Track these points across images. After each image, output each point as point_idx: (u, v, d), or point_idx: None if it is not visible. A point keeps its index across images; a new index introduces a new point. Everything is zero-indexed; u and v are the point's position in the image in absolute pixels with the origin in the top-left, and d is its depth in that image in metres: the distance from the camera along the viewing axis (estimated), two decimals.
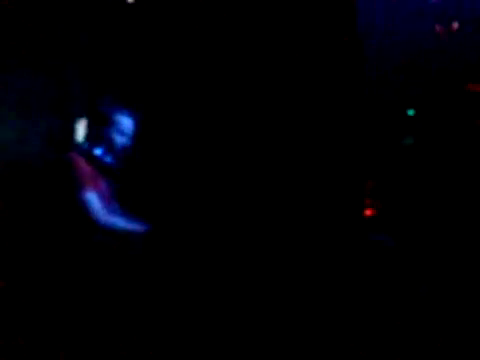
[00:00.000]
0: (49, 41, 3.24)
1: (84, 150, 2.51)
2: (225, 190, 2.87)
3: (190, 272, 2.70)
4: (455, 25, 3.80)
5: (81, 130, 2.57)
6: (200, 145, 2.91)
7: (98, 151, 2.51)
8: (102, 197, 2.50)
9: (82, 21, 3.22)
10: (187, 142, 2.92)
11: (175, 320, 2.59)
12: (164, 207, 2.87)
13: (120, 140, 2.54)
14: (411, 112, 3.35)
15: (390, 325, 2.69)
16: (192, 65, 2.98)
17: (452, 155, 3.34)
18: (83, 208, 2.42)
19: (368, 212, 3.17)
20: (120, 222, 2.52)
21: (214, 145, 2.92)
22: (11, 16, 3.28)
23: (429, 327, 2.69)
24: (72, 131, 2.66)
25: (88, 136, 2.55)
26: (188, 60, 2.99)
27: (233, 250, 2.79)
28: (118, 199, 2.66)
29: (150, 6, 3.13)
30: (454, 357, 2.51)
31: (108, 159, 2.54)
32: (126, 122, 2.56)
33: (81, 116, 2.59)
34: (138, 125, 2.63)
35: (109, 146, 2.53)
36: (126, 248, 2.53)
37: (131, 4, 3.14)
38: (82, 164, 2.46)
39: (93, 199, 2.44)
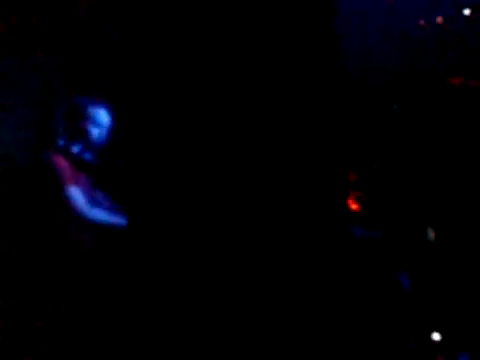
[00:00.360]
0: (32, 35, 3.23)
1: (61, 147, 2.52)
2: (205, 183, 2.87)
3: (171, 267, 2.70)
4: (439, 19, 3.81)
5: (59, 125, 2.57)
6: (178, 139, 2.91)
7: (76, 148, 2.52)
8: (84, 192, 2.51)
9: (64, 15, 3.22)
10: (166, 137, 2.92)
11: (160, 318, 2.59)
12: (144, 202, 2.87)
13: (98, 136, 2.55)
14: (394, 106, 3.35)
15: (375, 316, 2.70)
16: (171, 60, 2.98)
17: (437, 149, 3.34)
18: (67, 204, 2.43)
19: (353, 206, 3.17)
20: (105, 216, 2.53)
21: (194, 138, 2.92)
22: None
23: (412, 317, 2.70)
24: (53, 128, 2.66)
25: (65, 133, 2.56)
26: (167, 55, 2.99)
27: (213, 246, 2.79)
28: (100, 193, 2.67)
29: (132, 3, 3.12)
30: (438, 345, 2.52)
31: (86, 156, 2.55)
32: (103, 117, 2.57)
33: (61, 112, 2.58)
34: (116, 120, 2.64)
35: (87, 142, 2.53)
36: (112, 242, 2.53)
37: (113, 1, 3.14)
38: (61, 161, 2.47)
39: (77, 194, 2.45)
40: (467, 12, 3.89)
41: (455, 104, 3.40)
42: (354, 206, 3.19)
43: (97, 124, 2.53)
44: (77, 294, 2.46)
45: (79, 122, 2.50)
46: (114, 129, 2.62)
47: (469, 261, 2.93)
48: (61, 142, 2.52)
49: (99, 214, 2.52)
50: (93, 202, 2.55)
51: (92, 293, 2.48)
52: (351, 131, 3.01)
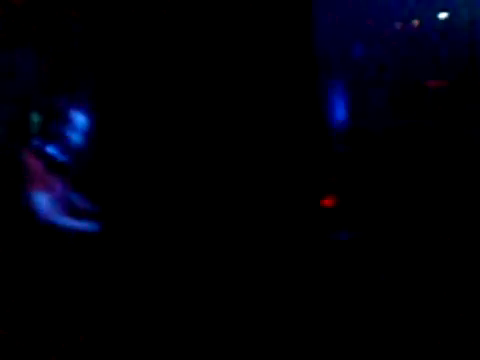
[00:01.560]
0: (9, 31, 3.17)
1: (36, 147, 2.46)
2: (181, 187, 2.85)
3: (139, 273, 2.67)
4: (415, 23, 3.85)
5: (34, 125, 2.52)
6: (156, 143, 2.88)
7: (51, 149, 2.47)
8: (52, 196, 2.45)
9: (42, 13, 3.16)
10: (144, 140, 2.90)
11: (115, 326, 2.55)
12: (119, 206, 2.84)
13: (75, 138, 2.51)
14: None
15: (352, 316, 2.70)
16: (149, 60, 2.96)
17: (414, 149, 3.37)
18: (31, 208, 2.38)
19: (327, 208, 3.17)
20: (69, 222, 2.47)
21: (171, 142, 2.90)
22: None
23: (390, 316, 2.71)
24: (26, 126, 2.60)
25: (41, 133, 2.51)
26: (144, 55, 2.96)
27: (186, 250, 2.78)
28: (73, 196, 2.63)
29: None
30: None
31: (62, 157, 2.50)
32: (81, 120, 2.53)
33: (35, 110, 2.54)
34: (94, 123, 2.60)
35: (63, 144, 2.49)
36: (71, 249, 2.48)
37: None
38: (33, 162, 2.41)
39: (42, 199, 2.39)
40: (443, 16, 3.93)
41: (433, 106, 3.43)
42: (332, 207, 3.19)
43: (75, 128, 2.50)
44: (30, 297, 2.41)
45: (57, 124, 2.46)
46: (92, 131, 2.58)
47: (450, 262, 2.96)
48: (36, 142, 2.47)
49: (63, 220, 2.46)
50: (60, 208, 2.50)
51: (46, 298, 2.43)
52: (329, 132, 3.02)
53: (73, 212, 2.56)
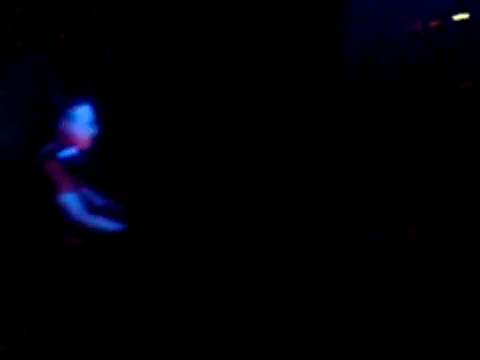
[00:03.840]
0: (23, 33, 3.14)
1: (50, 151, 2.41)
2: (206, 184, 2.79)
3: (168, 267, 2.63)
4: (434, 23, 3.78)
5: (45, 129, 2.46)
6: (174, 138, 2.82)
7: (65, 150, 2.41)
8: (79, 198, 2.40)
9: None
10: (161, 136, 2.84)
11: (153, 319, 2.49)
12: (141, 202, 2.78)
13: (81, 133, 2.43)
14: None
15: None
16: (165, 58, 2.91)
17: (446, 153, 3.27)
18: (60, 211, 2.33)
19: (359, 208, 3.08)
20: (100, 222, 2.42)
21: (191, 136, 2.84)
22: None
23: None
24: (47, 126, 2.53)
25: (52, 136, 2.46)
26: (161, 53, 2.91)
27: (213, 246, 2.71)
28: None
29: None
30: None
31: (77, 157, 2.44)
32: (85, 114, 2.46)
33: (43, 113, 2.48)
34: (106, 117, 2.54)
35: (75, 143, 2.42)
36: (101, 250, 2.44)
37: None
38: (52, 166, 2.35)
39: (72, 201, 2.35)
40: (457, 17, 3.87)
41: (455, 106, 3.33)
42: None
43: (79, 122, 2.43)
44: (64, 297, 2.35)
45: (60, 122, 2.40)
46: (104, 127, 2.52)
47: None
48: (51, 146, 2.41)
49: (94, 221, 2.39)
50: (88, 208, 2.44)
51: (79, 296, 2.36)
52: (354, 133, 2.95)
53: (95, 211, 2.50)
